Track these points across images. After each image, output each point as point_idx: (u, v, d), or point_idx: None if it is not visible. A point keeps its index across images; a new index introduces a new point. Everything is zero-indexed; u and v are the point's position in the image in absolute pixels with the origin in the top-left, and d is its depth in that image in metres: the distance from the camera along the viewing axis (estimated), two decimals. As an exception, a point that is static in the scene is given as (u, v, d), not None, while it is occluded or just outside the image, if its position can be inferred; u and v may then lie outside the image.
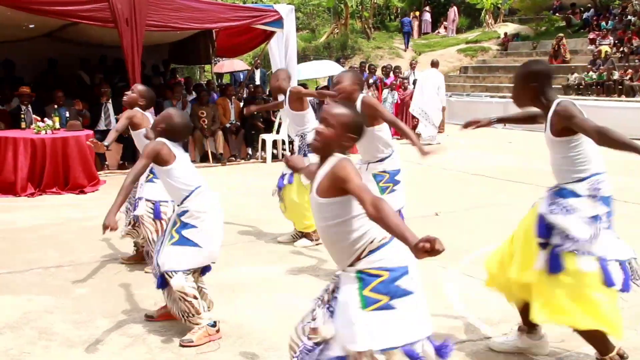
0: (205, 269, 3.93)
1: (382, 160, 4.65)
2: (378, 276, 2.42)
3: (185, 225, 3.72)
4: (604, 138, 2.93)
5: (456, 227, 6.37)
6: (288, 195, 5.80)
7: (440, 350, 2.48)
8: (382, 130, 4.62)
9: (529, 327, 3.44)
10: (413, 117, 14.52)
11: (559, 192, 3.20)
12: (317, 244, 5.75)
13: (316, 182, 2.56)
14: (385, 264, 2.44)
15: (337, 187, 2.44)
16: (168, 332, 3.88)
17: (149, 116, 5.17)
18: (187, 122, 3.97)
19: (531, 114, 3.55)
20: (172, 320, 3.97)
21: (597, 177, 3.16)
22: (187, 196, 3.76)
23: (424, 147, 4.29)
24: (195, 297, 3.71)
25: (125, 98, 5.20)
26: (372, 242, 2.48)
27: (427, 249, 2.04)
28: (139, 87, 5.35)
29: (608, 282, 3.05)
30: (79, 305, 4.37)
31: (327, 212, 2.51)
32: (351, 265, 2.49)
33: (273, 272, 5.10)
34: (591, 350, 3.34)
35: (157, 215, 4.80)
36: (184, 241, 3.70)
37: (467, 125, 3.85)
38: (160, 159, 3.69)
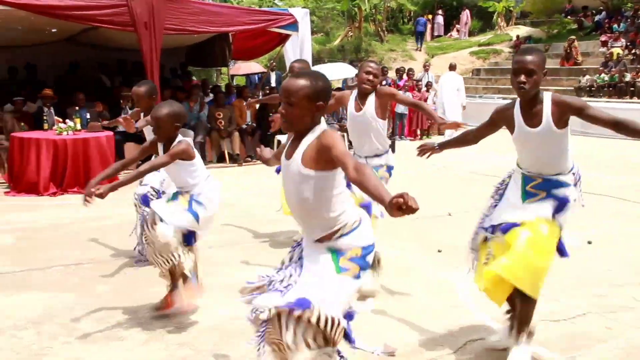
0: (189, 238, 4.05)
1: (379, 155, 4.65)
2: (351, 252, 2.52)
3: (198, 203, 3.92)
4: (622, 125, 3.05)
5: (466, 227, 6.41)
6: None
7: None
8: (385, 127, 4.67)
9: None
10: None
11: (549, 183, 3.28)
12: None
13: (299, 151, 2.47)
14: (357, 243, 2.53)
15: (323, 157, 2.40)
16: (186, 329, 3.95)
17: None
18: (181, 106, 4.08)
19: (469, 137, 3.71)
20: (191, 316, 4.10)
21: (576, 165, 3.36)
22: (198, 183, 3.99)
23: (443, 119, 4.51)
24: (177, 250, 3.92)
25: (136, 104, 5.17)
26: (345, 225, 2.52)
27: (400, 204, 2.01)
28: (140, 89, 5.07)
29: (564, 253, 3.29)
30: (98, 302, 4.43)
31: (310, 184, 2.46)
32: (320, 240, 2.55)
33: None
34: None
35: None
36: (194, 213, 3.89)
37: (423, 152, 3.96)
38: (187, 157, 3.90)
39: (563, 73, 21.26)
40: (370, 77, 4.51)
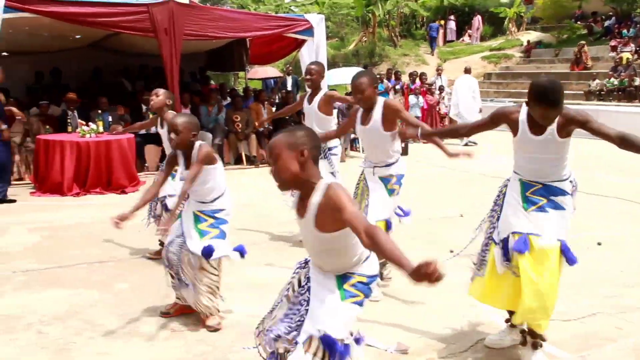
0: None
1: (389, 165, 4.56)
2: (357, 277, 2.57)
3: (222, 222, 4.08)
4: (627, 142, 3.05)
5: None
6: None
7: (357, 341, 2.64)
8: (394, 137, 4.54)
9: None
10: (441, 120, 15.25)
11: (547, 190, 3.34)
12: None
13: (310, 213, 2.44)
14: (364, 272, 2.58)
15: (336, 218, 2.34)
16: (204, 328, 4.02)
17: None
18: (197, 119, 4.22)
19: (462, 130, 3.76)
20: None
21: (573, 173, 3.43)
22: (220, 195, 4.08)
23: (449, 150, 4.29)
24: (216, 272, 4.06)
25: (152, 103, 5.29)
26: (358, 259, 2.57)
27: (428, 273, 2.02)
28: (161, 90, 5.36)
29: (571, 260, 3.32)
30: (120, 299, 4.54)
31: (327, 244, 2.49)
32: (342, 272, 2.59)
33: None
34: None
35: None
36: (223, 235, 4.05)
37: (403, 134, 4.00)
38: (210, 161, 4.03)
39: (573, 77, 21.36)
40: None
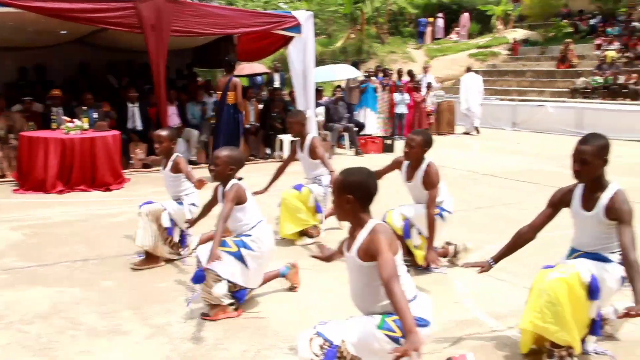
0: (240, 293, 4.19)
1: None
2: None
3: (245, 245, 4.11)
4: (627, 264, 3.11)
5: (467, 225, 6.55)
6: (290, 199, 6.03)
7: None
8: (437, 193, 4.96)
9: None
10: (428, 116, 15.78)
11: (598, 256, 3.40)
12: (315, 242, 5.89)
13: (356, 244, 2.77)
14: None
15: (372, 254, 2.68)
16: (189, 324, 4.04)
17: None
18: (242, 154, 4.36)
19: (520, 242, 3.65)
20: (194, 311, 4.19)
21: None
22: (252, 227, 4.19)
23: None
24: (225, 304, 4.09)
25: (158, 151, 5.34)
26: None
27: (410, 353, 2.30)
28: (163, 133, 5.37)
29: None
30: (104, 297, 4.51)
31: (366, 273, 2.75)
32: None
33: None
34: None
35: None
36: (239, 256, 4.07)
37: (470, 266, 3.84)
38: (240, 201, 4.15)
39: (559, 75, 21.58)
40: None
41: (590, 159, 3.27)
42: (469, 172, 10.27)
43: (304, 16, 11.29)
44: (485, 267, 3.66)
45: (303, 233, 6.09)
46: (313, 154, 6.09)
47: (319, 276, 5.00)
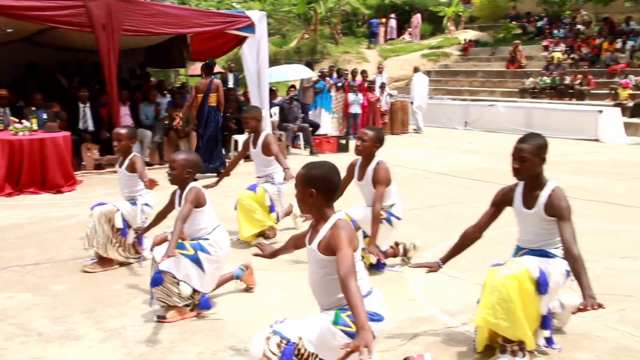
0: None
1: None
2: None
3: (202, 248, 4.10)
4: (569, 257, 3.21)
5: (419, 223, 6.64)
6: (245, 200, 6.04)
7: None
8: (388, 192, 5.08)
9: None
10: (381, 116, 16.04)
11: (542, 253, 3.49)
12: (272, 243, 5.89)
13: (318, 238, 2.79)
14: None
15: (332, 249, 2.70)
16: (143, 327, 3.99)
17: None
18: (199, 158, 4.32)
19: (467, 242, 3.74)
20: (148, 314, 4.16)
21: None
22: (210, 232, 4.18)
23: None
24: (181, 306, 4.11)
25: (116, 149, 5.30)
26: None
27: (360, 349, 2.31)
28: (122, 131, 5.31)
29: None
30: (56, 301, 4.42)
31: (325, 266, 2.77)
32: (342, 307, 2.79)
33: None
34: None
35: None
36: (196, 259, 4.06)
37: (419, 266, 3.88)
38: (199, 203, 4.14)
39: (508, 75, 22.14)
40: (358, 142, 5.10)
41: (529, 156, 3.39)
42: (422, 171, 10.41)
43: (257, 16, 11.30)
44: (434, 268, 3.75)
45: (260, 234, 6.10)
46: (267, 151, 6.06)
47: (277, 276, 5.00)
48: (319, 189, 2.77)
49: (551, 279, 3.41)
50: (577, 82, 18.69)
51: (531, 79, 20.23)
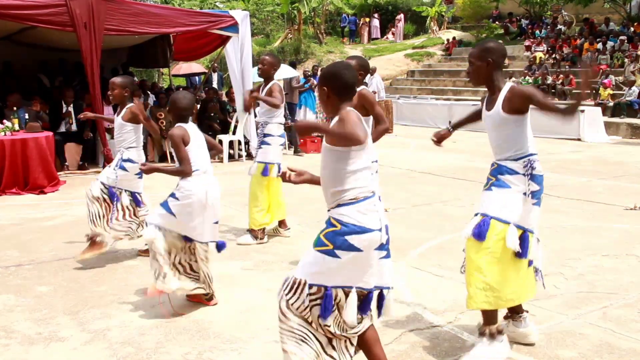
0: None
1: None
2: (334, 225, 2.73)
3: (172, 195, 4.18)
4: (553, 109, 3.38)
5: (404, 222, 6.64)
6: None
7: (379, 300, 2.88)
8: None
9: (512, 313, 3.63)
10: None
11: (498, 170, 3.47)
12: (259, 243, 5.94)
13: (333, 127, 2.81)
14: (342, 219, 2.72)
15: (335, 142, 2.75)
16: (128, 328, 3.96)
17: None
18: (189, 100, 4.28)
19: (477, 111, 3.88)
20: (133, 315, 4.16)
21: (532, 157, 3.43)
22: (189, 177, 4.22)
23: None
24: (161, 254, 4.09)
25: (111, 98, 5.31)
26: (345, 196, 2.74)
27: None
28: (116, 80, 5.29)
29: (523, 254, 3.40)
30: (39, 303, 4.39)
31: (327, 157, 2.80)
32: (329, 210, 2.83)
33: (230, 268, 5.16)
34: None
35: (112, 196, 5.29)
36: (165, 205, 4.15)
37: (439, 141, 4.23)
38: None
39: (492, 75, 22.22)
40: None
41: (474, 60, 3.48)
42: (406, 171, 10.45)
43: (240, 15, 11.28)
44: (445, 134, 4.17)
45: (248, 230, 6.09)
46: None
47: (262, 276, 5.00)
48: (331, 86, 2.81)
49: (515, 208, 3.38)
50: (559, 82, 18.86)
51: (514, 79, 20.33)
